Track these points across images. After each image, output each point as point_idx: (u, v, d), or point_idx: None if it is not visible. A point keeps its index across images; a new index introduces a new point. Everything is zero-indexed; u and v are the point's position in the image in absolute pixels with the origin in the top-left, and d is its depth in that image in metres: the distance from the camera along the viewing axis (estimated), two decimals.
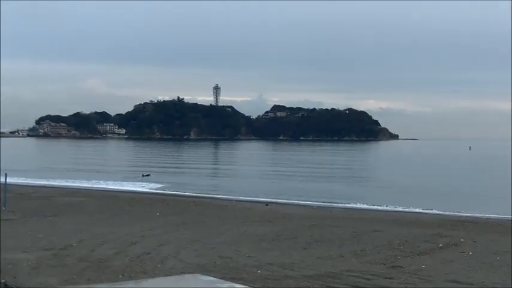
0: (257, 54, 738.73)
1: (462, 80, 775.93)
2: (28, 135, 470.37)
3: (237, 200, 63.31)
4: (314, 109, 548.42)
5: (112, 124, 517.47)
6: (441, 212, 56.47)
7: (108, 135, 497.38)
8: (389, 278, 24.39)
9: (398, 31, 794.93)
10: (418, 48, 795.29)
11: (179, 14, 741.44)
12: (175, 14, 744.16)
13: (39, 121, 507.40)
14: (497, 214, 55.61)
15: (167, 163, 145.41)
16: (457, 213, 55.50)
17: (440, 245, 32.91)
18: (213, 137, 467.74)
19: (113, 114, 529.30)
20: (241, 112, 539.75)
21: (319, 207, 59.33)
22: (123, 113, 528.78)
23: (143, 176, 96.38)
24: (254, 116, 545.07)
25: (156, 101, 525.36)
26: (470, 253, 30.41)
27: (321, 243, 33.18)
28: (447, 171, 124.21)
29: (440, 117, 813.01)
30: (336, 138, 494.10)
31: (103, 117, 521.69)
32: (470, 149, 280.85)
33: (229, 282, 5.33)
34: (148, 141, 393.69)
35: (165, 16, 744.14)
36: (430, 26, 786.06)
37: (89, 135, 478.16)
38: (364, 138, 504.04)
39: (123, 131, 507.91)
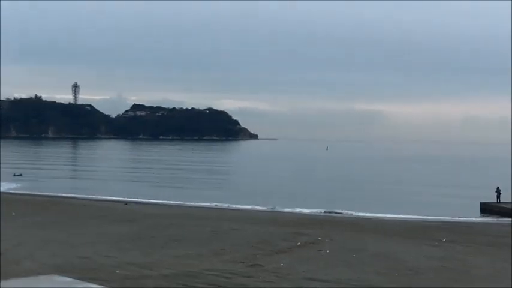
0: (115, 53, 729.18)
1: (322, 80, 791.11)
2: None
3: (95, 200, 62.49)
4: (174, 108, 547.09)
5: None
6: (300, 211, 57.40)
7: None
8: (248, 277, 24.50)
9: (258, 31, 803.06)
10: (278, 49, 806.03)
11: (38, 11, 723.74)
12: (33, 10, 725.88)
13: None
14: (353, 212, 57.10)
15: (24, 162, 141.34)
16: (314, 212, 56.59)
17: (299, 243, 33.38)
18: (71, 136, 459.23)
19: None
20: (100, 111, 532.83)
21: (178, 206, 59.22)
22: None
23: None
24: (113, 115, 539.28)
25: (12, 99, 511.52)
26: (328, 251, 30.97)
27: (180, 242, 33.06)
28: (304, 171, 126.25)
29: (300, 118, 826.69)
30: (196, 137, 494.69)
31: None
32: (327, 149, 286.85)
33: (86, 282, 5.13)
34: (4, 140, 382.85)
35: (23, 13, 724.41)
36: (291, 28, 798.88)
37: None
38: (224, 138, 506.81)
39: None
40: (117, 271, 24.84)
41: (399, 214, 56.61)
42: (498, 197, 63.46)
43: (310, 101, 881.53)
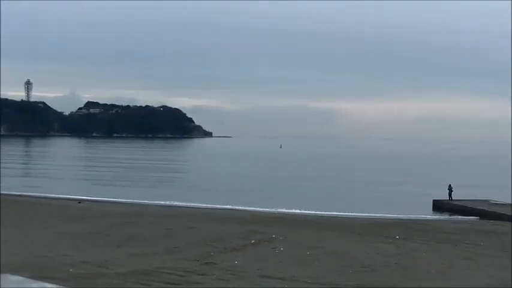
0: (68, 49, 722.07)
1: (277, 78, 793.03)
2: None
3: (49, 198, 61.95)
4: (128, 106, 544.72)
5: None
6: (254, 209, 57.45)
7: None
8: (202, 275, 24.47)
9: (213, 28, 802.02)
10: (233, 45, 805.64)
11: None
12: None
13: None
14: (306, 210, 57.31)
15: None
16: (268, 210, 56.66)
17: (253, 241, 33.43)
18: (24, 134, 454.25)
19: None
20: (54, 108, 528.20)
21: (132, 204, 58.95)
22: None
23: None
24: (67, 112, 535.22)
25: None
26: (282, 249, 31.06)
27: (135, 240, 32.96)
28: (257, 169, 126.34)
29: (255, 115, 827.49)
30: (151, 135, 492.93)
31: None
32: (281, 147, 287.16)
33: (39, 281, 5.09)
34: None
35: None
36: (248, 24, 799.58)
37: None
38: (178, 136, 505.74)
39: None
40: (72, 270, 24.66)
41: (353, 212, 56.97)
42: (450, 194, 64.22)
43: (265, 98, 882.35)
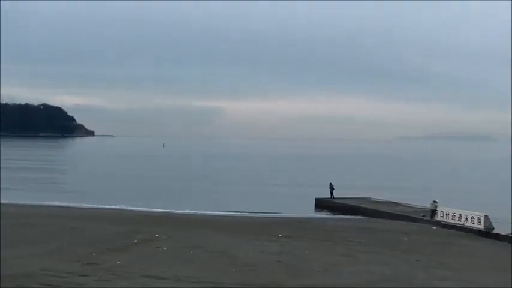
0: None
1: (163, 77, 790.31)
2: None
3: None
4: (6, 104, 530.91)
5: None
6: (136, 209, 56.90)
7: None
8: (84, 276, 24.06)
9: (96, 27, 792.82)
10: (116, 43, 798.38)
11: None
12: None
13: None
14: (189, 210, 57.18)
15: None
16: (151, 210, 56.21)
17: (136, 240, 33.16)
18: None
19: None
20: None
21: (12, 205, 57.44)
22: None
23: None
24: None
25: None
26: (165, 248, 30.90)
27: (14, 242, 32.11)
28: (141, 169, 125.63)
29: (137, 114, 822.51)
30: (30, 134, 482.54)
31: None
32: (164, 146, 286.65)
33: None
34: None
35: None
36: (131, 24, 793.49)
37: None
38: (59, 135, 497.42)
39: None
40: None
41: (237, 211, 57.25)
42: (331, 192, 65.23)
43: (149, 97, 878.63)
